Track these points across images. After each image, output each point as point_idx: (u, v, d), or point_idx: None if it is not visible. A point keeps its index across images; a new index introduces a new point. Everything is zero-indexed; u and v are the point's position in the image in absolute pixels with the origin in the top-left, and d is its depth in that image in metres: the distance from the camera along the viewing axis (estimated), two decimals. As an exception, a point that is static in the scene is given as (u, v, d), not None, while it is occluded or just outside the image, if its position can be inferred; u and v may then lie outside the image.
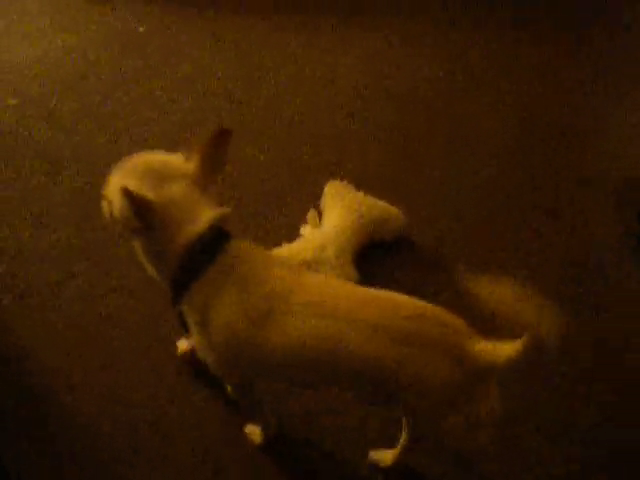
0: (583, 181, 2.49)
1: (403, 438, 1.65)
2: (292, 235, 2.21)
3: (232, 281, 1.37)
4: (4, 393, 1.87)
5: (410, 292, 2.03)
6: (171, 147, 1.42)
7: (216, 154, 1.46)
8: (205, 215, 1.38)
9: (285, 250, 2.08)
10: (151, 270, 1.43)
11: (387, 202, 2.24)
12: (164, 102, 2.82)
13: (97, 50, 3.11)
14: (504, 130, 2.70)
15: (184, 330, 1.48)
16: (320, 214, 2.26)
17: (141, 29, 3.25)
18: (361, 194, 2.25)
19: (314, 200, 2.31)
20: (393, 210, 2.22)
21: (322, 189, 2.30)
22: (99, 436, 1.79)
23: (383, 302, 1.37)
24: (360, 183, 2.32)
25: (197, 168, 1.41)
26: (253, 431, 1.78)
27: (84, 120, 2.73)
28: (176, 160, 1.42)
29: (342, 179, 2.30)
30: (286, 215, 2.33)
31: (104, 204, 1.37)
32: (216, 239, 1.40)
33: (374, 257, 2.19)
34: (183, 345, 1.91)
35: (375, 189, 2.32)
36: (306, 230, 2.22)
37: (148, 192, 1.30)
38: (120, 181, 1.32)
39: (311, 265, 2.02)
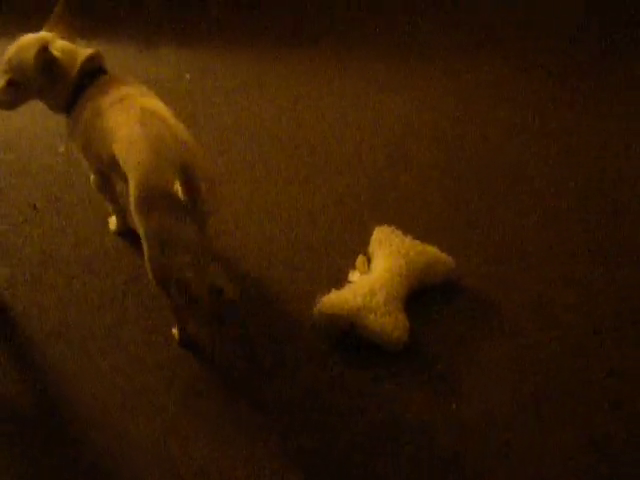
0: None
1: None
2: (341, 281, 2.20)
3: (94, 95, 1.99)
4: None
5: (459, 338, 2.05)
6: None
7: (67, 20, 2.11)
8: (80, 57, 2.01)
9: (334, 297, 2.07)
10: (55, 109, 2.11)
11: (436, 247, 2.22)
12: (212, 147, 2.84)
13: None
14: (560, 185, 2.63)
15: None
16: (369, 260, 2.25)
17: (188, 76, 3.31)
18: (409, 239, 2.24)
19: (362, 246, 2.30)
20: (442, 255, 2.20)
21: (370, 234, 2.29)
22: None
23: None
24: (408, 228, 2.30)
25: (61, 31, 2.08)
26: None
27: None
28: (45, 34, 2.06)
29: (390, 224, 2.29)
30: (334, 260, 2.32)
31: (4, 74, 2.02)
32: (91, 72, 2.03)
33: (424, 303, 2.16)
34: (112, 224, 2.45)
35: (423, 234, 2.31)
36: (355, 276, 2.21)
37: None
38: (25, 49, 1.98)
39: (361, 312, 2.01)
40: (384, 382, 1.97)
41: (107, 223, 2.48)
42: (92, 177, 2.29)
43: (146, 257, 1.86)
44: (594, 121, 2.93)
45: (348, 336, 2.06)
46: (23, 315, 2.21)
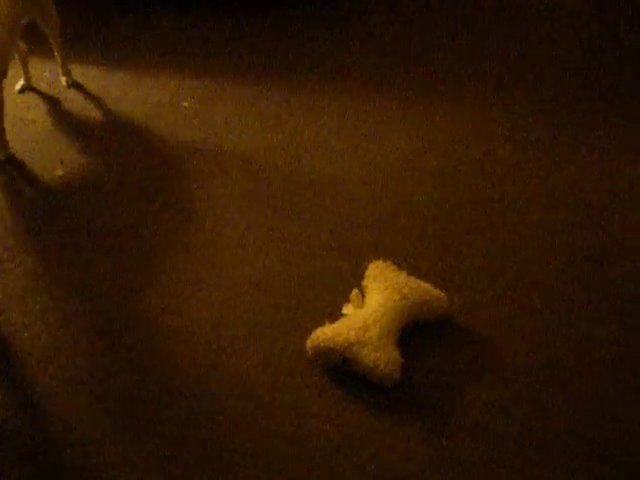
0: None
1: None
2: (334, 315, 2.21)
3: None
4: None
5: (451, 375, 2.05)
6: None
7: None
8: None
9: (328, 330, 2.07)
10: None
11: (430, 284, 2.23)
12: (207, 173, 2.86)
13: (142, 122, 3.18)
14: (560, 225, 2.64)
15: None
16: (363, 294, 2.25)
17: (185, 104, 3.33)
18: (404, 275, 2.24)
19: (357, 279, 2.30)
20: (436, 292, 2.21)
21: (365, 268, 2.29)
22: None
23: None
24: (403, 264, 2.32)
25: None
26: None
27: (128, 191, 2.78)
28: None
29: (385, 259, 2.31)
30: (328, 293, 2.32)
31: None
32: None
33: (416, 339, 2.17)
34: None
35: (418, 270, 2.32)
36: (349, 310, 2.21)
37: None
38: None
39: (354, 346, 2.01)
40: (375, 416, 1.96)
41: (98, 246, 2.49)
42: None
43: None
44: (598, 158, 2.95)
45: (340, 369, 2.06)
46: (13, 338, 2.21)
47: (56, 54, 3.39)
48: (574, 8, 4.22)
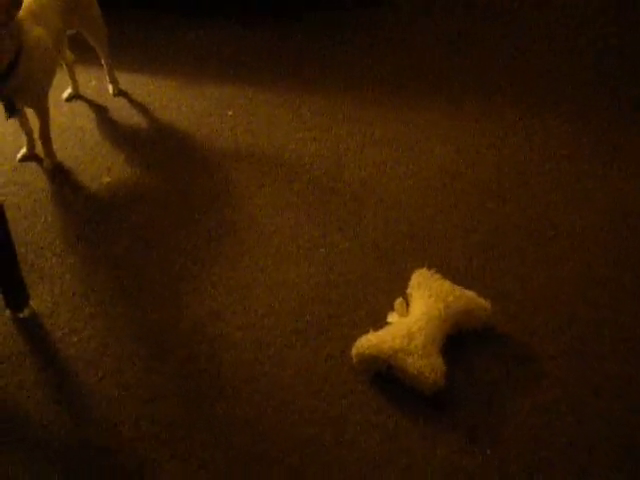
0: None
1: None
2: (379, 323, 2.21)
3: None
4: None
5: (495, 383, 2.05)
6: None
7: None
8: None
9: (373, 337, 2.08)
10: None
11: (475, 292, 2.23)
12: (251, 183, 2.89)
13: (188, 130, 3.22)
14: (597, 234, 2.62)
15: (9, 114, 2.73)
16: (407, 302, 2.26)
17: (230, 112, 3.36)
18: (449, 283, 2.25)
19: (401, 288, 2.31)
20: (481, 301, 2.21)
21: (409, 277, 2.30)
22: None
23: None
24: (447, 272, 2.32)
25: None
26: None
27: (173, 199, 2.82)
28: None
29: (429, 267, 2.31)
30: (373, 302, 2.33)
31: None
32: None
33: (461, 347, 2.16)
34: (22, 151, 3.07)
35: (462, 279, 2.32)
36: (393, 318, 2.22)
37: None
38: None
39: (398, 354, 2.02)
40: (418, 424, 1.97)
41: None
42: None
43: None
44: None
45: (384, 377, 2.06)
46: (62, 342, 2.25)
47: (103, 63, 3.44)
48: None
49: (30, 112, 2.94)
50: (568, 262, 2.48)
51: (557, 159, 2.99)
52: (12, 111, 2.73)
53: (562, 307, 2.31)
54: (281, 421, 1.99)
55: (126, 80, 3.61)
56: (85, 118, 3.37)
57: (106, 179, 2.93)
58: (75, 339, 2.25)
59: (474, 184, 2.86)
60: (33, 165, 3.05)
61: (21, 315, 2.34)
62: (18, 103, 2.75)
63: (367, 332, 2.12)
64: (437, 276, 2.27)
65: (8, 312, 2.34)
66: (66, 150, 3.11)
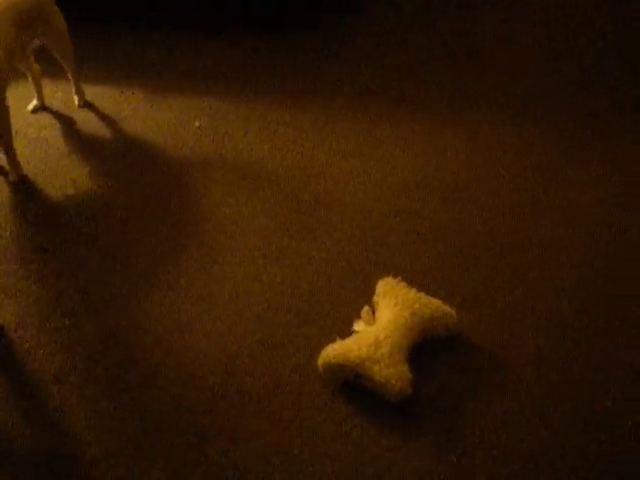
0: None
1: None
2: (345, 331, 2.22)
3: None
4: None
5: (461, 391, 2.06)
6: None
7: None
8: None
9: (339, 346, 2.09)
10: None
11: (440, 300, 2.25)
12: (218, 193, 2.89)
13: (154, 142, 3.21)
14: (565, 243, 2.63)
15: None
16: (373, 310, 2.27)
17: (197, 123, 3.36)
18: (414, 291, 2.26)
19: (367, 296, 2.32)
20: (446, 308, 2.22)
21: (375, 285, 2.31)
22: None
23: None
24: (413, 280, 2.33)
25: None
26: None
27: (139, 209, 2.82)
28: None
29: (395, 276, 2.32)
30: (339, 310, 2.34)
31: None
32: None
33: (427, 355, 2.18)
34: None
35: (428, 287, 2.33)
36: (360, 326, 2.22)
37: None
38: None
39: (365, 362, 2.02)
40: (386, 432, 1.97)
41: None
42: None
43: None
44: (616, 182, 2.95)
45: (351, 385, 2.07)
46: (28, 356, 2.23)
47: (69, 75, 3.43)
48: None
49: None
50: (534, 270, 2.50)
51: (528, 167, 3.02)
52: None
53: (528, 315, 2.33)
54: (249, 431, 1.99)
55: (92, 92, 3.60)
56: (51, 130, 3.36)
57: (70, 190, 2.91)
58: (41, 352, 2.24)
59: (440, 193, 2.87)
60: (-3, 178, 3.04)
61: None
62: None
63: (334, 341, 2.13)
64: (403, 284, 2.29)
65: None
66: (31, 162, 3.10)
